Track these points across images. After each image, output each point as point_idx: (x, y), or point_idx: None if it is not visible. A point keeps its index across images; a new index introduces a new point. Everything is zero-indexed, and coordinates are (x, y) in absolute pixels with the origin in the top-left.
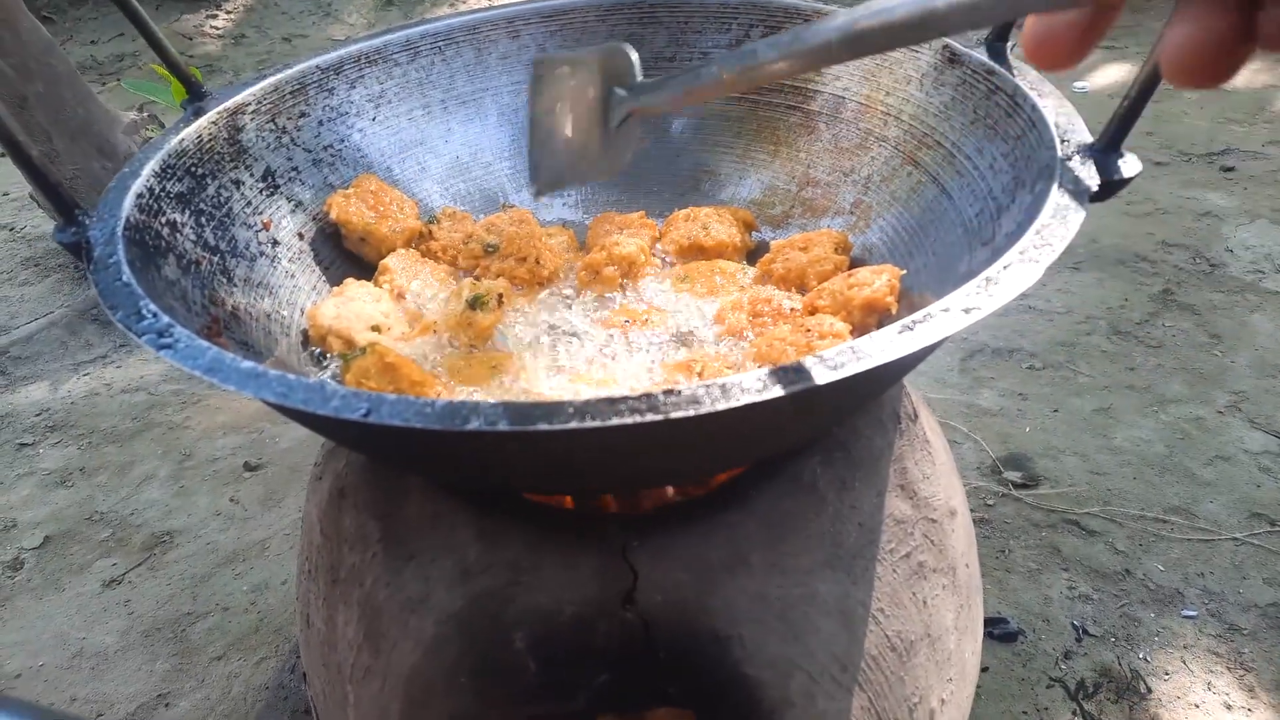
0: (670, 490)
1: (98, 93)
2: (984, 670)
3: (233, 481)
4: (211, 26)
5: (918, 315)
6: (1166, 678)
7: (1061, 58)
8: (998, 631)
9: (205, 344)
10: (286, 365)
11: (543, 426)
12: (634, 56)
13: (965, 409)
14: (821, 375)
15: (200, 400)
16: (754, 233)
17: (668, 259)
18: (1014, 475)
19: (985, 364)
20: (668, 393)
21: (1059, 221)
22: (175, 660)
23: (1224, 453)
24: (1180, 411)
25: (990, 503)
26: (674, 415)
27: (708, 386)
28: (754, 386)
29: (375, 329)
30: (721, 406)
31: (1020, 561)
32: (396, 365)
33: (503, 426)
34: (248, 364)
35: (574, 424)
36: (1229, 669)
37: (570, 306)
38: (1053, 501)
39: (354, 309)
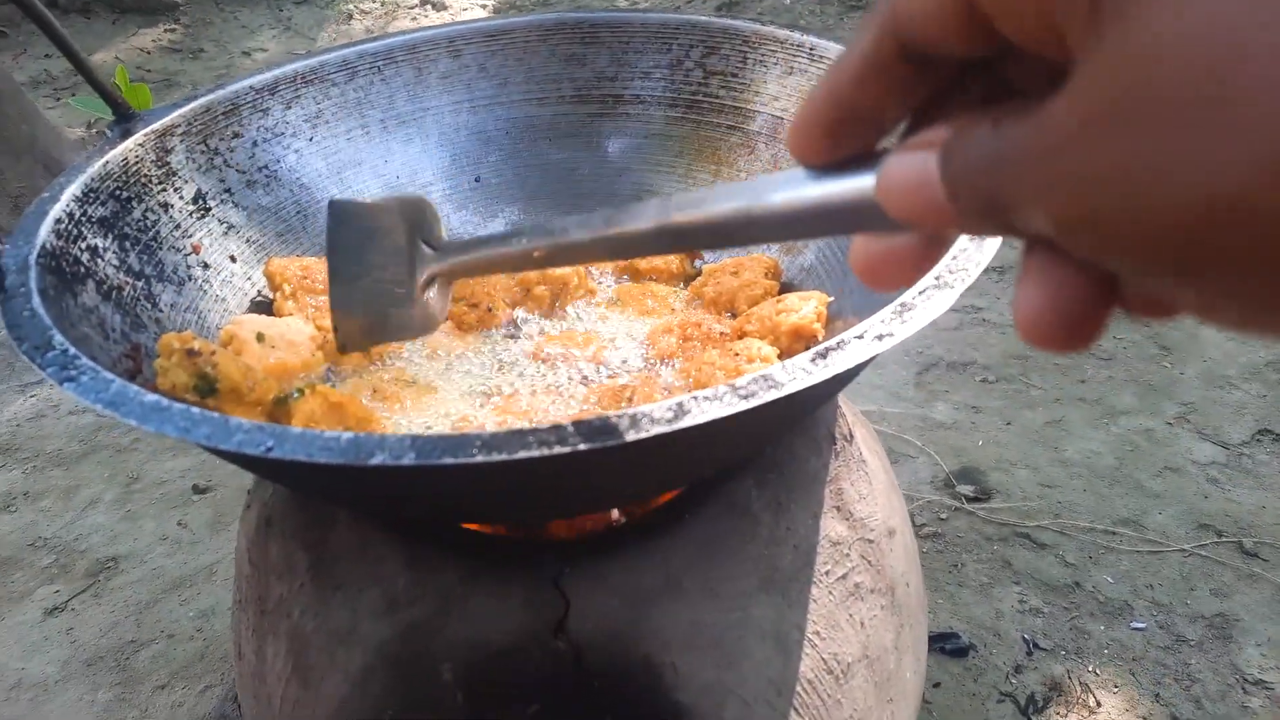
0: (615, 513)
1: (51, 108)
2: (935, 686)
3: (181, 505)
4: (170, 41)
5: (831, 342)
6: (1116, 690)
7: (889, 285)
8: (949, 646)
9: (110, 377)
10: None
11: (448, 460)
12: (435, 211)
13: (919, 422)
14: (733, 404)
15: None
16: (697, 261)
17: (604, 280)
18: (967, 489)
19: (940, 377)
20: (576, 424)
21: (975, 247)
22: (118, 690)
23: (1173, 464)
24: (1130, 423)
25: (944, 517)
26: (582, 447)
27: (618, 417)
28: (664, 417)
29: (259, 337)
30: (631, 438)
31: (972, 575)
32: (342, 404)
33: (407, 461)
34: (151, 397)
35: (480, 458)
36: (1176, 680)
37: (502, 335)
38: (1004, 515)
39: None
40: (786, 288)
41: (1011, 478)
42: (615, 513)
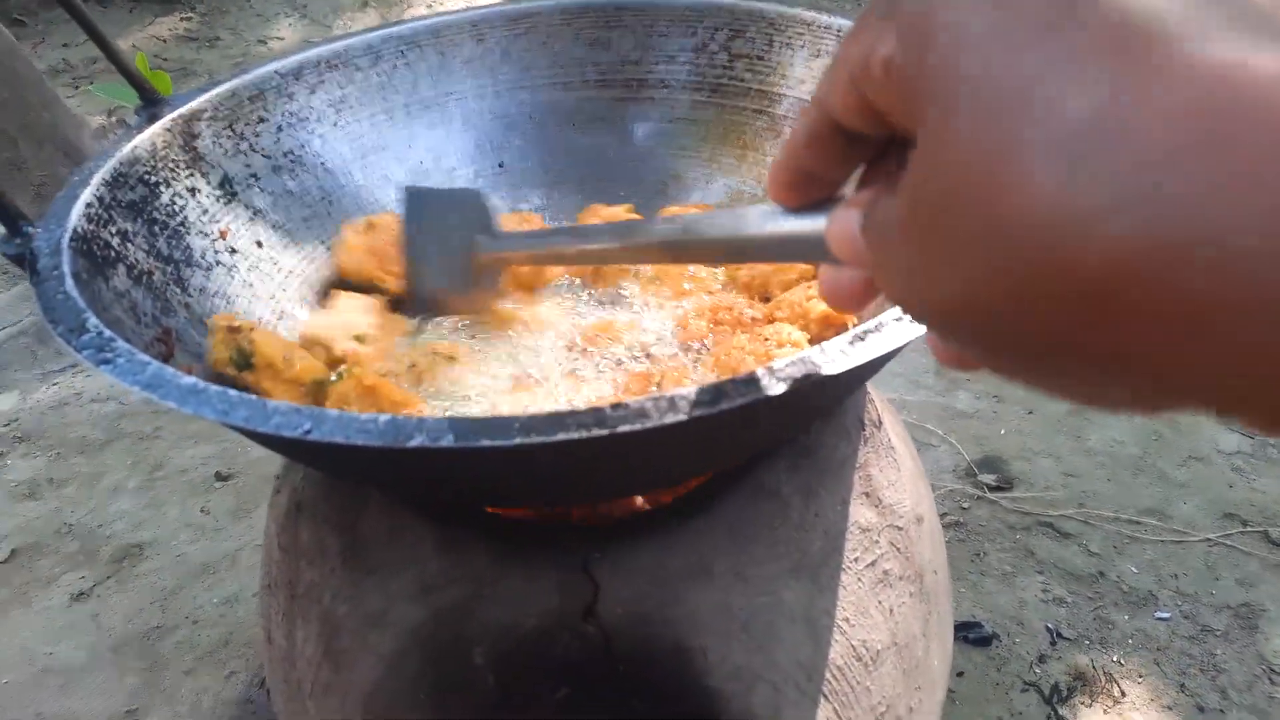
0: (639, 500)
1: (70, 97)
2: (958, 675)
3: (203, 492)
4: (186, 29)
5: (869, 325)
6: (1141, 680)
7: (848, 308)
8: (973, 636)
9: (146, 359)
10: None
11: (486, 443)
12: (491, 205)
13: (941, 411)
14: (771, 387)
15: (171, 410)
16: None
17: None
18: (989, 478)
19: None
20: (615, 407)
21: None
22: (144, 675)
23: (1197, 453)
24: None
25: (965, 506)
26: (621, 430)
27: (655, 400)
28: (702, 399)
29: (359, 339)
30: (669, 420)
31: (995, 565)
32: (376, 387)
33: (446, 443)
34: (188, 380)
35: (519, 440)
36: (1203, 670)
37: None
38: (1027, 504)
39: (340, 320)
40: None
41: (1034, 467)
42: (639, 499)
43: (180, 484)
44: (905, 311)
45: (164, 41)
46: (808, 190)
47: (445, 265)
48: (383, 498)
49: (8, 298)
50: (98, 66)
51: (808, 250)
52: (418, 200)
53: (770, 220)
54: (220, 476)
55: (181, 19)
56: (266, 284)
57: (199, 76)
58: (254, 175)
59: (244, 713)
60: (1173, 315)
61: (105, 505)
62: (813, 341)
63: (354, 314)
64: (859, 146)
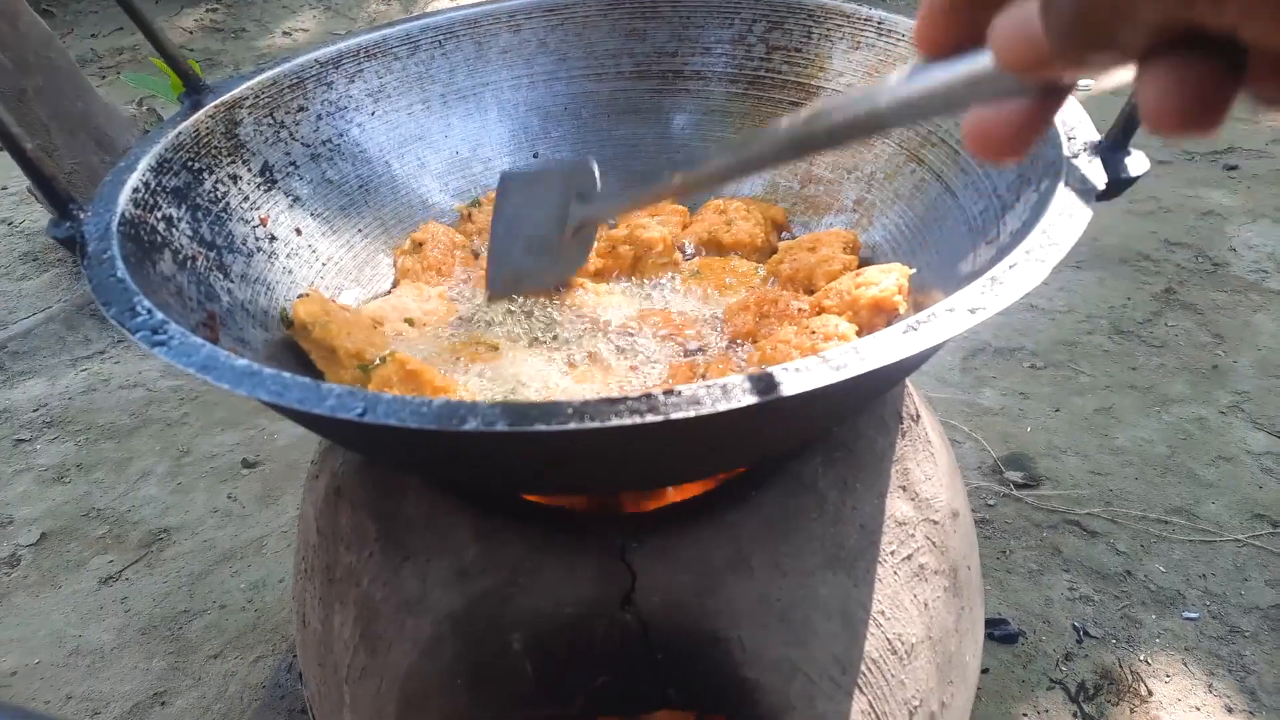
0: (672, 490)
1: (98, 86)
2: (984, 672)
3: (230, 479)
4: (212, 20)
5: (922, 315)
6: (1168, 680)
7: (1003, 151)
8: (998, 633)
9: (200, 341)
10: None
11: (540, 427)
12: (596, 170)
13: (966, 408)
14: (823, 376)
15: (198, 397)
16: (784, 234)
17: (688, 250)
18: (1015, 475)
19: (987, 363)
20: (668, 393)
21: (1065, 220)
22: (171, 658)
23: (1226, 453)
24: (1182, 411)
25: (991, 503)
26: (674, 416)
27: (709, 387)
28: (755, 387)
29: (409, 322)
30: (722, 407)
31: (1021, 562)
32: (418, 372)
33: (500, 427)
34: (242, 362)
35: (573, 425)
36: (1230, 671)
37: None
38: (1054, 502)
39: (393, 302)
40: (863, 263)
41: (1061, 465)
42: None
43: (207, 470)
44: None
45: (190, 33)
46: (956, 31)
47: (532, 244)
48: (421, 484)
49: (37, 284)
50: (124, 57)
51: (960, 95)
52: (513, 183)
53: (908, 82)
54: (247, 464)
55: (208, 10)
56: (305, 271)
57: (225, 68)
58: (293, 163)
59: (272, 697)
60: None
61: (133, 490)
62: (862, 329)
63: (409, 299)
64: None
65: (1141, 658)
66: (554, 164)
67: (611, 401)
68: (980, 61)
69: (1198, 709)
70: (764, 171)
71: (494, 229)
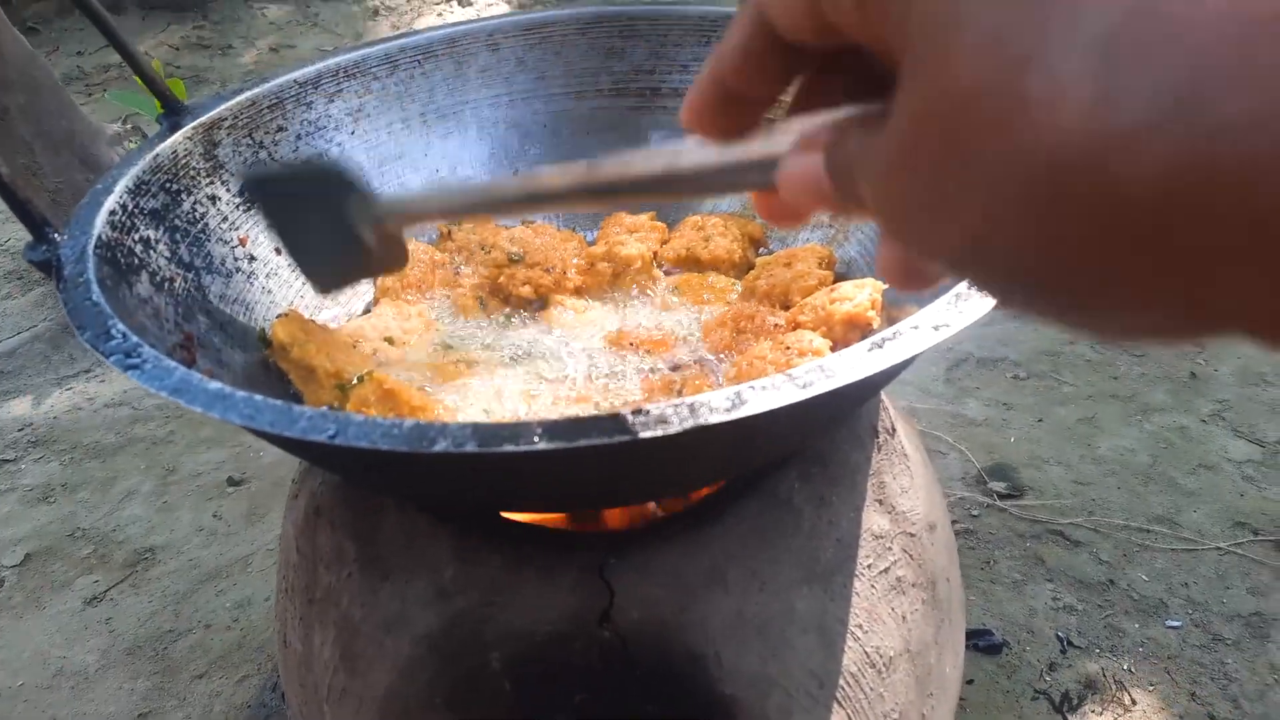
0: (652, 505)
1: (84, 104)
2: (969, 683)
3: (216, 497)
4: (199, 37)
5: (887, 332)
6: (1151, 688)
7: (786, 220)
8: (982, 643)
9: (173, 365)
10: None
11: (509, 448)
12: (349, 170)
13: (950, 419)
14: (790, 394)
15: (183, 415)
16: (760, 249)
17: (664, 267)
18: (999, 486)
19: (970, 373)
20: (636, 412)
21: None
22: (156, 679)
23: (1207, 462)
24: (1164, 420)
25: (975, 513)
26: (642, 435)
27: (676, 406)
28: (722, 405)
29: (389, 340)
30: (690, 425)
31: (1005, 573)
32: (396, 391)
33: (470, 448)
34: (214, 385)
35: (542, 445)
36: (1213, 679)
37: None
38: (1037, 512)
39: (373, 321)
40: (838, 278)
41: (1044, 475)
42: (653, 505)
43: (193, 489)
44: (912, 250)
45: (176, 49)
46: (732, 116)
47: (327, 239)
48: (400, 504)
49: (22, 303)
50: (110, 74)
51: (744, 180)
52: (267, 186)
53: (708, 151)
54: (232, 481)
55: (194, 27)
56: (285, 291)
57: (211, 84)
58: None
59: (257, 717)
60: (1235, 231)
61: (118, 510)
62: (836, 344)
63: (388, 318)
64: (797, 62)
65: (1125, 666)
66: (295, 163)
67: (580, 422)
68: (749, 153)
69: (1181, 717)
70: (554, 210)
71: (279, 228)
